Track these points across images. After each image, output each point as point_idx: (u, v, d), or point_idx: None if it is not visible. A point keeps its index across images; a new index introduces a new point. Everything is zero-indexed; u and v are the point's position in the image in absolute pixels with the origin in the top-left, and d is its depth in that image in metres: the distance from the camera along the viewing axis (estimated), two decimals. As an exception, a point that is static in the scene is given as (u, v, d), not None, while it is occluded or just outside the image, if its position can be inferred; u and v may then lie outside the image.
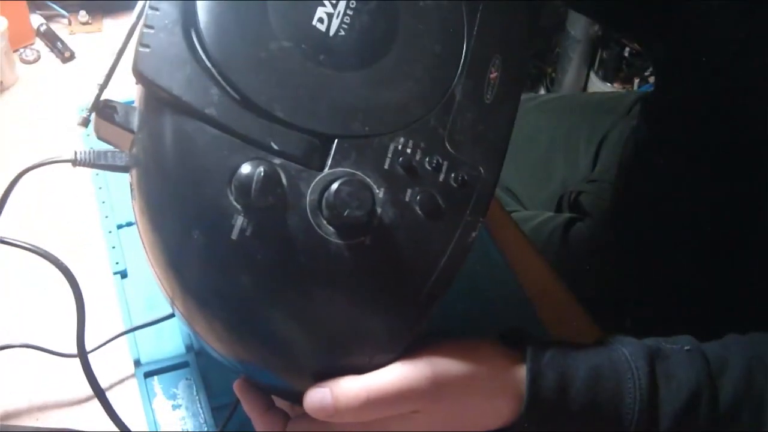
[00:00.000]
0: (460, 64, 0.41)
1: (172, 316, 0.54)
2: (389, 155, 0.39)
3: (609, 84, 1.67)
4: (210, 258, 0.36)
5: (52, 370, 0.53)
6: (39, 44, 0.80)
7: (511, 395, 0.42)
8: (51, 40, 0.80)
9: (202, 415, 0.51)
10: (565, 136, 0.87)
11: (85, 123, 0.42)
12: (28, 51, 0.79)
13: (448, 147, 0.40)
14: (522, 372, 0.42)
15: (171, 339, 0.55)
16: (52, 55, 0.79)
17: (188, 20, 0.37)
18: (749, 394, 0.45)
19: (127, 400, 0.52)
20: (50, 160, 0.41)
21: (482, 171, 0.41)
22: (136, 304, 0.57)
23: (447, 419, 0.41)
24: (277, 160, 0.36)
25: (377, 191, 0.37)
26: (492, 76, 0.42)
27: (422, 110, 0.40)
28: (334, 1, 0.39)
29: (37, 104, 0.73)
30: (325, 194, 0.36)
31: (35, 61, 0.79)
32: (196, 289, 0.37)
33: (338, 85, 0.39)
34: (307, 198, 0.36)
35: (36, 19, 0.81)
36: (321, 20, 0.39)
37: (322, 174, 0.37)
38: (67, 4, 0.84)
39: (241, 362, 0.40)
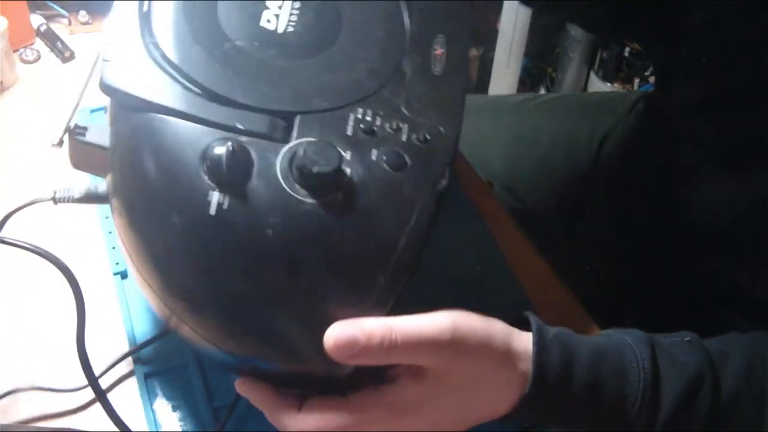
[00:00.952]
0: (405, 45, 0.46)
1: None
2: (350, 124, 0.42)
3: (609, 84, 1.67)
4: (192, 236, 0.37)
5: (53, 371, 0.53)
6: (39, 44, 0.80)
7: (518, 377, 0.41)
8: (51, 40, 0.80)
9: (203, 416, 0.51)
10: (566, 136, 0.87)
11: (60, 143, 0.45)
12: (28, 51, 0.79)
13: (406, 113, 0.43)
14: (528, 351, 0.42)
15: (171, 340, 0.55)
16: (52, 55, 0.79)
17: (144, 30, 0.41)
18: (750, 384, 0.45)
19: (127, 400, 0.52)
20: (30, 202, 0.45)
21: (442, 130, 0.44)
22: (136, 305, 0.57)
23: (456, 396, 0.41)
24: (244, 138, 0.39)
25: (344, 154, 0.40)
26: (437, 52, 0.47)
27: (375, 85, 0.44)
28: (278, 3, 0.44)
29: (37, 104, 0.73)
30: (294, 160, 0.38)
31: (35, 61, 0.79)
32: (184, 275, 0.38)
33: (293, 72, 0.42)
34: (277, 166, 0.39)
35: (36, 19, 0.81)
36: (269, 21, 0.44)
37: (289, 145, 0.40)
38: (67, 4, 0.84)
39: (241, 348, 0.40)
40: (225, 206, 0.37)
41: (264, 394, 0.42)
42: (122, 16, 0.41)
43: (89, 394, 0.50)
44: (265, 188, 0.38)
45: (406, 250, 0.39)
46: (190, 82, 0.40)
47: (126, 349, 0.54)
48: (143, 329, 0.55)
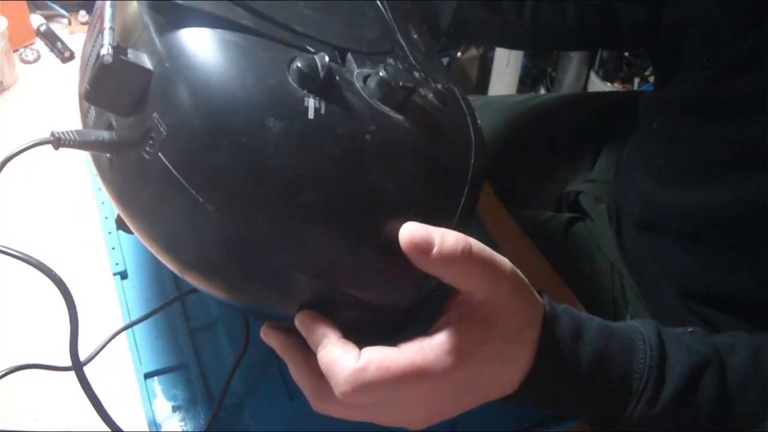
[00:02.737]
0: (392, 26, 0.51)
1: (168, 304, 0.54)
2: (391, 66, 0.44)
3: (609, 84, 1.67)
4: (293, 139, 0.36)
5: (52, 372, 0.53)
6: (39, 44, 0.80)
7: (528, 349, 0.41)
8: (51, 40, 0.80)
9: (202, 416, 0.51)
10: (566, 135, 0.87)
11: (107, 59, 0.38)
12: (28, 51, 0.79)
13: (422, 69, 0.48)
14: (539, 322, 0.42)
15: (171, 340, 0.55)
16: (52, 55, 0.79)
17: None
18: (757, 372, 0.45)
19: (127, 401, 0.52)
20: (31, 144, 0.39)
21: (453, 86, 0.49)
22: (136, 305, 0.57)
23: (500, 348, 0.40)
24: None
25: None
26: (415, 37, 0.53)
27: (389, 46, 0.48)
28: None
29: (37, 104, 0.73)
30: (369, 80, 0.41)
31: (35, 61, 0.79)
32: (284, 177, 0.36)
33: (325, 20, 0.45)
34: (356, 84, 0.41)
35: (36, 19, 0.81)
36: None
37: (358, 70, 0.42)
38: (67, 4, 0.84)
39: (330, 257, 0.38)
40: (323, 111, 0.37)
41: (328, 329, 0.39)
42: None
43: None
44: (355, 100, 0.39)
45: (476, 168, 0.43)
46: (247, 10, 0.40)
47: (126, 349, 0.54)
48: (143, 329, 0.55)
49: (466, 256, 0.37)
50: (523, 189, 0.85)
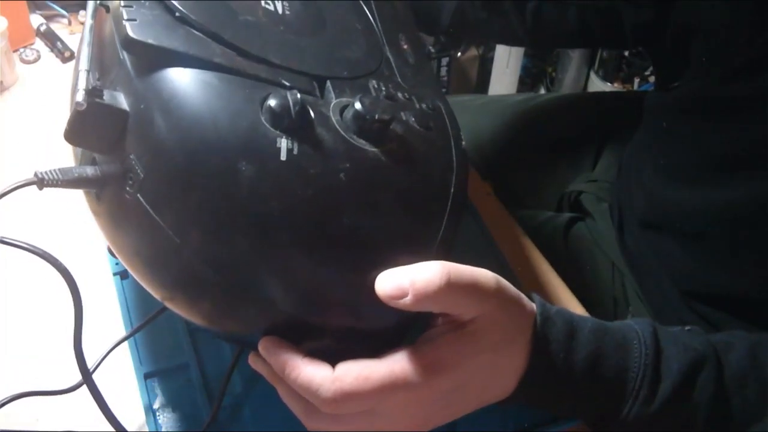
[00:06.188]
0: (381, 38, 0.51)
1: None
2: (372, 92, 0.44)
3: (609, 84, 1.67)
4: (265, 182, 0.36)
5: (52, 372, 0.53)
6: (39, 44, 0.80)
7: (522, 351, 0.41)
8: (51, 40, 0.80)
9: (202, 416, 0.51)
10: (566, 135, 0.87)
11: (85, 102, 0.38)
12: (28, 51, 0.79)
13: (406, 88, 0.48)
14: (531, 325, 0.41)
15: (171, 340, 0.55)
16: (52, 55, 0.80)
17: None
18: (754, 368, 0.45)
19: (127, 400, 0.52)
20: (15, 186, 0.40)
21: (439, 104, 0.48)
22: (136, 305, 0.57)
23: (489, 359, 0.40)
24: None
25: None
26: (405, 47, 0.52)
27: (374, 65, 0.47)
28: None
29: (37, 104, 0.73)
30: (345, 112, 0.40)
31: (35, 61, 0.79)
32: (257, 220, 0.37)
33: (306, 46, 0.44)
34: (332, 118, 0.40)
35: (36, 19, 0.82)
36: (268, 3, 0.45)
37: (335, 101, 0.41)
38: (67, 4, 0.84)
39: (308, 291, 0.38)
40: (295, 152, 0.37)
41: (292, 354, 0.39)
42: None
43: (89, 395, 0.50)
44: (329, 136, 0.39)
45: (456, 196, 0.42)
46: (221, 43, 0.39)
47: (126, 348, 0.54)
48: (143, 329, 0.55)
49: (445, 287, 0.37)
50: (523, 189, 0.85)
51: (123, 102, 0.38)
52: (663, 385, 0.43)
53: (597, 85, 1.68)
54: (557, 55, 1.73)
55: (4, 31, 0.72)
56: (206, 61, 0.38)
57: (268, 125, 0.37)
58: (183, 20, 0.39)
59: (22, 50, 0.78)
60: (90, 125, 0.38)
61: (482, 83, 1.73)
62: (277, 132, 0.37)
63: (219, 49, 0.39)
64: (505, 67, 1.67)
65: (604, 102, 0.93)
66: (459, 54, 1.68)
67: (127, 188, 0.38)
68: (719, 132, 0.56)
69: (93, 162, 0.41)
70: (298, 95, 0.37)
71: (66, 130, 0.39)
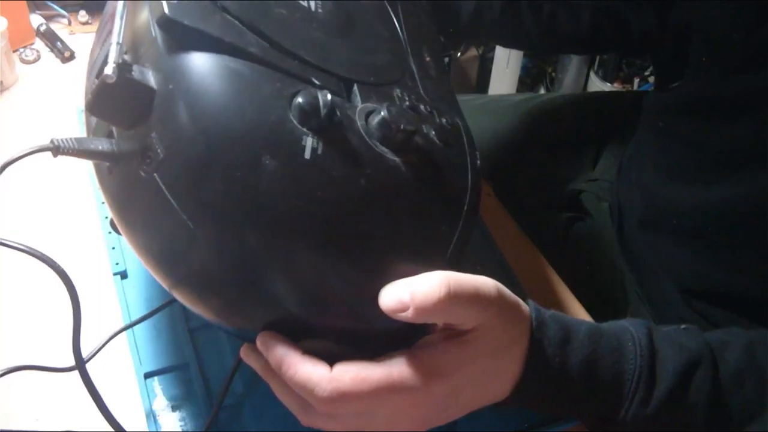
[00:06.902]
0: (406, 47, 0.50)
1: (169, 304, 0.54)
2: (397, 101, 0.44)
3: (609, 84, 1.67)
4: (286, 179, 0.36)
5: (52, 372, 0.53)
6: (39, 44, 0.80)
7: (518, 354, 0.41)
8: (51, 40, 0.80)
9: (202, 416, 0.51)
10: (566, 135, 0.87)
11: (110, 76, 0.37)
12: (28, 51, 0.79)
13: (429, 101, 0.47)
14: (527, 331, 0.42)
15: (171, 339, 0.55)
16: (52, 55, 0.80)
17: None
18: (751, 365, 0.45)
19: (127, 400, 0.52)
20: (30, 151, 0.39)
21: (458, 121, 0.48)
22: (136, 305, 0.57)
23: (487, 364, 0.40)
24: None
25: None
26: (427, 59, 0.52)
27: (399, 74, 0.47)
28: None
29: (37, 104, 0.73)
30: (371, 118, 0.40)
31: (35, 61, 0.79)
32: (274, 216, 0.36)
33: (335, 45, 0.43)
34: (357, 122, 0.40)
35: (36, 19, 0.82)
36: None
37: (361, 105, 0.41)
38: (67, 4, 0.84)
39: (321, 289, 0.38)
40: (320, 152, 0.37)
41: (290, 350, 0.39)
42: None
43: (88, 395, 0.50)
44: (354, 141, 0.39)
45: (468, 214, 0.43)
46: (256, 33, 0.39)
47: (126, 349, 0.54)
48: (143, 329, 0.55)
49: (445, 299, 0.37)
50: (523, 189, 0.85)
51: (151, 79, 0.38)
52: (659, 386, 0.43)
53: (597, 85, 1.68)
54: (557, 55, 1.72)
55: (4, 31, 0.72)
56: (240, 49, 0.38)
57: (295, 122, 0.37)
58: (220, 6, 0.39)
59: (22, 50, 0.78)
60: (115, 99, 0.37)
61: (482, 83, 1.73)
62: (304, 130, 0.37)
63: (254, 39, 0.39)
64: (505, 67, 1.67)
65: (604, 102, 0.93)
66: (459, 54, 1.68)
67: (144, 166, 0.37)
68: (719, 131, 0.57)
69: (110, 135, 0.40)
70: (329, 96, 0.37)
71: (89, 100, 0.38)
